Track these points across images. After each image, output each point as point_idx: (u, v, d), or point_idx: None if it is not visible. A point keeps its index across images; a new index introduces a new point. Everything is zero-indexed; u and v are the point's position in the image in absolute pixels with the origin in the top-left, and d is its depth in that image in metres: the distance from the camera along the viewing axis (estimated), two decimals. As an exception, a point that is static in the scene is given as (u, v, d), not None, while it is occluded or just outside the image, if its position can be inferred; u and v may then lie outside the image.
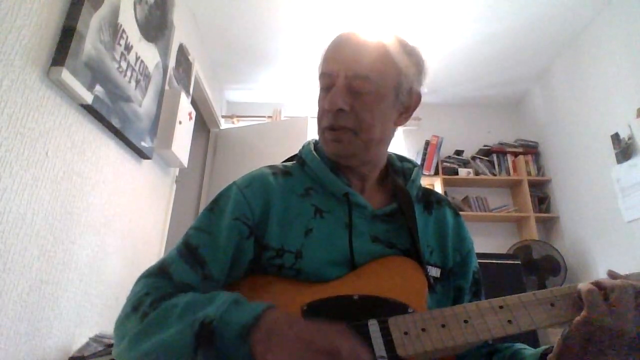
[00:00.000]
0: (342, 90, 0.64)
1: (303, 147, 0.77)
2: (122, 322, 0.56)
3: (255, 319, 0.46)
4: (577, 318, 0.52)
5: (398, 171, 0.79)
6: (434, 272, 0.69)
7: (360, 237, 0.65)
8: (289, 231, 0.64)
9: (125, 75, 1.60)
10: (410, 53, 0.70)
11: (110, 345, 1.34)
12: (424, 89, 0.73)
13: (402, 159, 0.82)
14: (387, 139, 0.73)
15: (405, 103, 0.71)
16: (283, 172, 0.71)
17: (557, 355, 0.54)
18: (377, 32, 0.69)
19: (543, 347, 0.58)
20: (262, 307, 0.48)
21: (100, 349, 1.34)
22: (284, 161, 0.81)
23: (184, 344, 0.47)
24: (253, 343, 0.45)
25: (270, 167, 0.73)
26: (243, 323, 0.46)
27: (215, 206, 0.66)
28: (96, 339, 1.40)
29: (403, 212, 0.69)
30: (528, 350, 0.62)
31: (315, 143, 0.78)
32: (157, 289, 0.56)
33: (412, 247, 0.66)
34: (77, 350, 1.35)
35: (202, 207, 3.32)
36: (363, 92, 0.65)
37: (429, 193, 0.79)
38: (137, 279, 0.61)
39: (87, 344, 1.37)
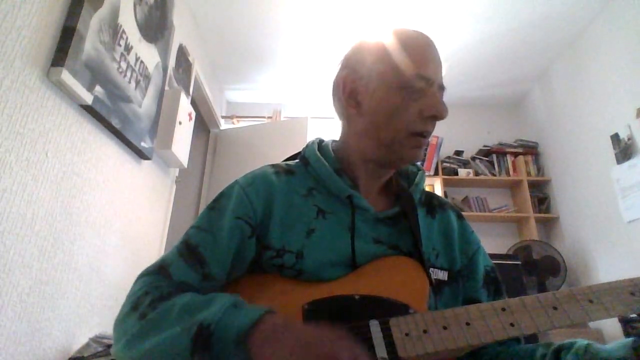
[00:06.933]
0: None
1: (307, 146, 0.75)
2: (121, 321, 0.55)
3: (253, 324, 0.46)
4: None
5: (402, 174, 0.78)
6: (441, 275, 0.68)
7: (363, 239, 0.65)
8: (291, 231, 0.63)
9: (125, 75, 1.60)
10: None
11: (110, 346, 1.34)
12: None
13: None
14: None
15: None
16: (286, 171, 0.71)
17: None
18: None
19: (629, 339, 0.55)
20: (260, 311, 0.48)
21: (100, 349, 1.33)
22: (286, 160, 0.80)
23: (181, 347, 0.47)
24: (250, 348, 0.45)
25: (273, 166, 0.72)
26: (240, 328, 0.46)
27: (217, 205, 0.66)
28: (96, 339, 1.40)
29: (406, 215, 0.68)
30: (599, 344, 0.59)
31: (320, 143, 0.76)
32: (156, 288, 0.56)
33: (415, 249, 0.66)
34: (77, 350, 1.35)
35: (202, 207, 3.33)
36: None
37: (430, 197, 0.79)
38: (136, 277, 0.60)
39: (87, 345, 1.37)
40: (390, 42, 0.67)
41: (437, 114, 0.64)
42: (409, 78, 0.64)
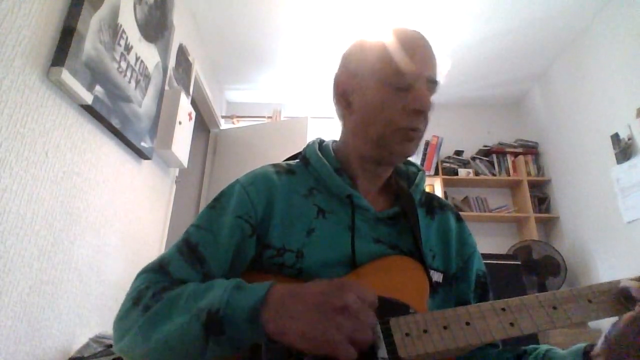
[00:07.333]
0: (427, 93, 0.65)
1: (307, 146, 0.76)
2: (122, 318, 0.55)
3: (261, 301, 0.47)
4: (630, 314, 0.51)
5: (402, 174, 0.78)
6: (437, 276, 0.69)
7: (363, 239, 0.65)
8: (291, 230, 0.63)
9: (125, 75, 1.60)
10: None
11: (111, 346, 1.34)
12: None
13: (407, 162, 0.81)
14: None
15: None
16: (287, 171, 0.71)
17: (606, 353, 0.52)
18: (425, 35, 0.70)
19: (582, 345, 0.57)
20: (264, 288, 0.49)
21: (100, 349, 1.33)
22: (286, 160, 0.80)
23: (193, 335, 0.47)
24: (264, 324, 0.46)
25: (274, 165, 0.72)
26: (250, 307, 0.47)
27: (217, 204, 0.66)
28: (96, 339, 1.40)
29: (406, 215, 0.68)
30: (558, 350, 0.61)
31: (320, 143, 0.77)
32: (156, 284, 0.56)
33: (415, 249, 0.66)
34: (77, 350, 1.35)
35: (202, 207, 3.32)
36: (431, 97, 0.66)
37: (431, 198, 0.79)
38: (136, 275, 0.60)
39: (87, 345, 1.37)
40: (377, 40, 0.68)
41: (420, 107, 0.63)
42: (392, 74, 0.64)
